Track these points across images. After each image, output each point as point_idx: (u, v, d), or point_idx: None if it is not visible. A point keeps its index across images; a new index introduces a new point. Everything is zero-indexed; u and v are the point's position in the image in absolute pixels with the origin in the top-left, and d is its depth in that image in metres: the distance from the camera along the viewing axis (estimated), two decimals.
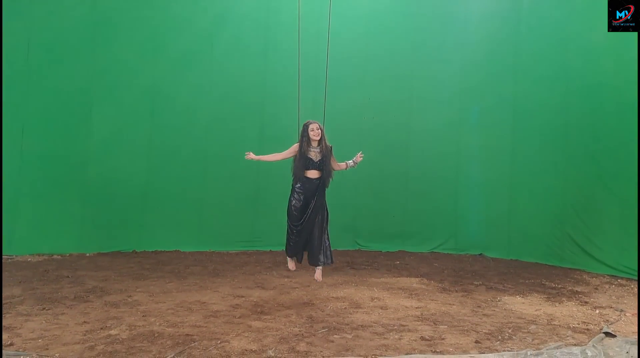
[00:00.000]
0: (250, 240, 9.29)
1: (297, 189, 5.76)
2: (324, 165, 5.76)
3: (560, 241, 8.80)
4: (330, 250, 5.81)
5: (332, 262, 5.83)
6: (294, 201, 5.73)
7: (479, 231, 9.91)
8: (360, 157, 5.87)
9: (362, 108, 9.91)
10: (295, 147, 5.82)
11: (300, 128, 5.82)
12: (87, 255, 8.07)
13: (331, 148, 5.85)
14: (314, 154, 5.75)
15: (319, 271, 5.80)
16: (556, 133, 8.96)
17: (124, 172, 8.63)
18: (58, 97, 8.25)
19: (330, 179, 5.90)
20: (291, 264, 6.02)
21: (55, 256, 7.82)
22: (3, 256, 7.50)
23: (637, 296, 6.53)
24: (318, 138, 5.70)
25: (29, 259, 7.54)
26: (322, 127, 5.76)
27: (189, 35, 9.10)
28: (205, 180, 9.12)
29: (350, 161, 5.87)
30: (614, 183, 8.14)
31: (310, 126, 5.70)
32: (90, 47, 8.43)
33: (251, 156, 5.76)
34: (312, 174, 5.75)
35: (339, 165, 5.91)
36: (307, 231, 5.79)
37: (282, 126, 9.08)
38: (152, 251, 8.58)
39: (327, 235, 5.84)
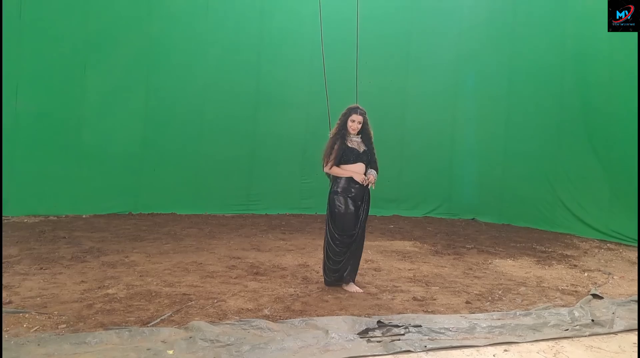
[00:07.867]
0: (246, 203, 9.34)
1: (341, 191, 4.68)
2: (370, 156, 4.76)
3: (551, 206, 8.92)
4: None
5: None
6: (341, 208, 4.64)
7: (472, 196, 10.01)
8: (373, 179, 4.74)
9: (358, 72, 9.81)
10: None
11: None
12: (83, 216, 8.10)
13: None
14: (357, 143, 4.72)
15: (353, 285, 4.80)
16: (550, 100, 8.99)
17: (119, 134, 8.59)
18: (52, 56, 8.12)
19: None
20: (354, 287, 4.76)
21: (51, 218, 7.85)
22: None
23: (626, 260, 6.68)
24: (356, 132, 4.71)
25: (25, 220, 7.56)
26: (365, 116, 4.71)
27: None
28: (201, 143, 9.09)
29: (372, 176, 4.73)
30: (605, 150, 8.21)
31: (352, 117, 4.64)
32: (84, 5, 8.27)
33: (368, 177, 4.69)
34: (358, 168, 4.71)
35: None
36: (360, 241, 4.78)
37: (277, 87, 9.04)
38: (148, 214, 8.62)
39: None
